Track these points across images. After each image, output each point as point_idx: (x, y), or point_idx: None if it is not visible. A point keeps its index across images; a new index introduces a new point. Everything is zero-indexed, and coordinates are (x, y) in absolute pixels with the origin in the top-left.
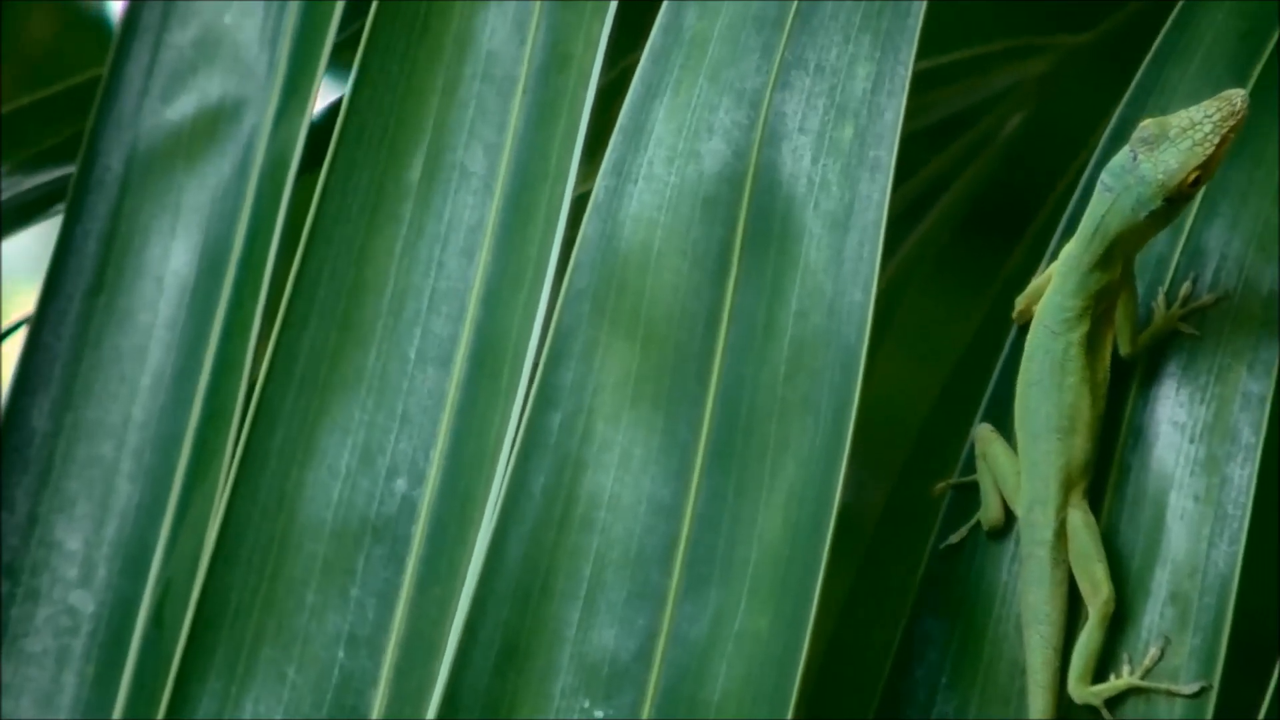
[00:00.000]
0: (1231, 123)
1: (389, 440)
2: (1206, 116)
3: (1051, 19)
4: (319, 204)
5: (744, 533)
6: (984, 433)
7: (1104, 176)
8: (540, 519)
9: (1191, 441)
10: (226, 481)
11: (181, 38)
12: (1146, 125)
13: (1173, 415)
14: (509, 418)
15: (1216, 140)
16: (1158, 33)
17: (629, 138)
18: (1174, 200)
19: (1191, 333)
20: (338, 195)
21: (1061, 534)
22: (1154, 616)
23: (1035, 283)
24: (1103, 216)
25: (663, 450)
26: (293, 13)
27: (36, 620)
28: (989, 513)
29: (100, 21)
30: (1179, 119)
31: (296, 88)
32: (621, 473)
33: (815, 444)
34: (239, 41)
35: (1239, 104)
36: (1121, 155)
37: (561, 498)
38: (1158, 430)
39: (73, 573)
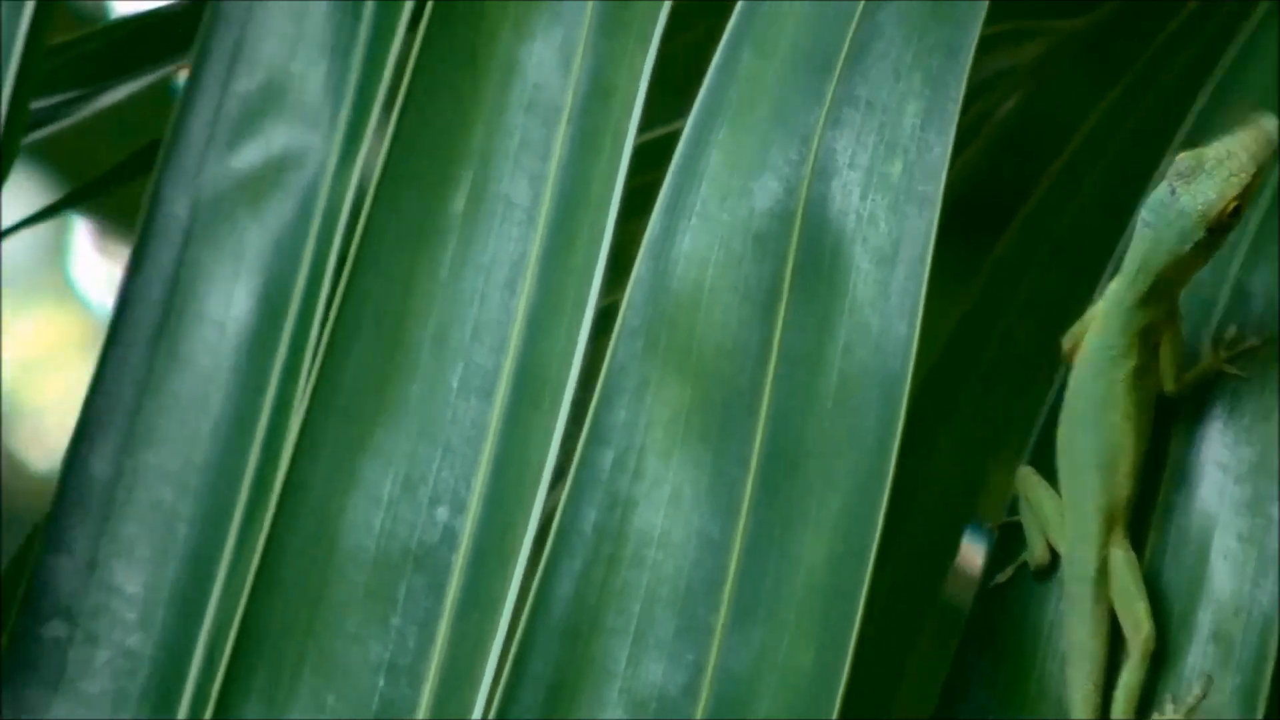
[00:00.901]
0: (1269, 150)
1: (431, 469)
2: (1242, 146)
3: (1045, 4)
4: (363, 234)
5: (789, 566)
6: (1025, 474)
7: (1144, 214)
8: (591, 556)
9: (1236, 482)
10: (269, 509)
11: (247, 86)
12: (1182, 158)
13: (1217, 456)
14: (550, 447)
15: (1254, 169)
16: (1150, 19)
17: (683, 176)
18: (1215, 231)
19: (1237, 374)
20: (382, 225)
21: (1104, 571)
22: (1197, 656)
23: (1080, 321)
24: (1146, 253)
25: (712, 487)
26: (357, 60)
27: (95, 663)
28: (1035, 553)
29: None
30: (1214, 150)
31: (358, 134)
32: (672, 510)
33: (859, 477)
34: (304, 89)
35: (1273, 131)
36: (1160, 191)
37: (612, 535)
38: (1202, 471)
39: (131, 616)
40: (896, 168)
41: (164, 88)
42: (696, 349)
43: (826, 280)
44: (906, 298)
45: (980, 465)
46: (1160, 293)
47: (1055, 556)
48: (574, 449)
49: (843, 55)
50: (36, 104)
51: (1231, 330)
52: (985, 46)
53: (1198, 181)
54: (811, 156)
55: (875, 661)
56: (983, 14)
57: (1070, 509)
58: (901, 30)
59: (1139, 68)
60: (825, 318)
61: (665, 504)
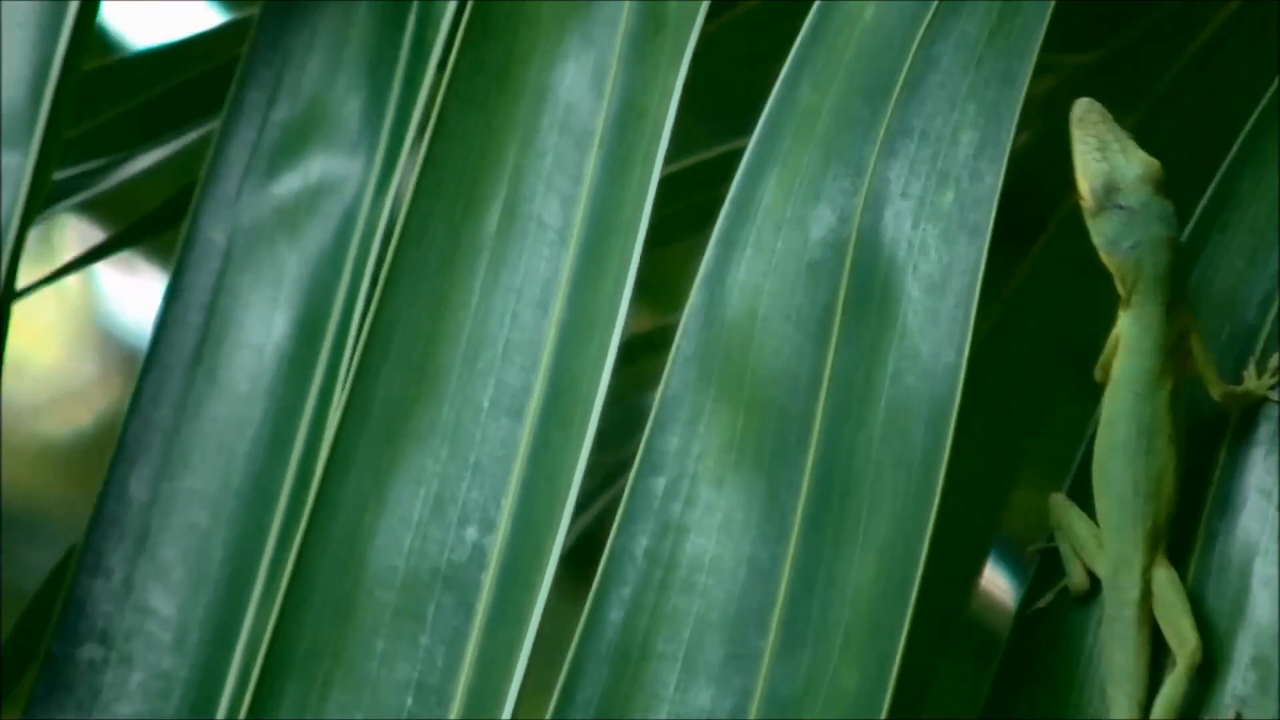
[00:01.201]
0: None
1: (460, 489)
2: (1099, 128)
3: (1057, 38)
4: (395, 254)
5: (837, 593)
6: (1058, 501)
7: (1122, 245)
8: (642, 583)
9: (1278, 509)
10: (299, 529)
11: (286, 114)
12: (1088, 178)
13: (1260, 483)
14: (578, 468)
15: (1122, 130)
16: (1163, 51)
17: (739, 207)
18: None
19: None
20: (414, 246)
21: (1147, 594)
22: (1236, 681)
23: (1105, 351)
24: (1149, 263)
25: (763, 513)
26: (395, 88)
27: (130, 685)
28: (1074, 579)
29: None
30: (1088, 143)
31: (394, 160)
32: (723, 536)
33: (906, 503)
34: (342, 116)
35: (1084, 106)
36: (1115, 217)
37: (663, 561)
38: (1245, 497)
39: (166, 638)
40: (948, 197)
41: None
42: (749, 377)
43: (877, 308)
44: (955, 325)
45: (1000, 487)
46: (1179, 298)
47: (1095, 581)
48: (598, 470)
49: (898, 86)
50: (78, 168)
51: (1275, 359)
52: None
53: (1122, 166)
54: (865, 186)
55: (900, 682)
56: (1039, 43)
57: (1111, 535)
58: (958, 60)
59: (1151, 101)
60: (875, 345)
61: (716, 530)
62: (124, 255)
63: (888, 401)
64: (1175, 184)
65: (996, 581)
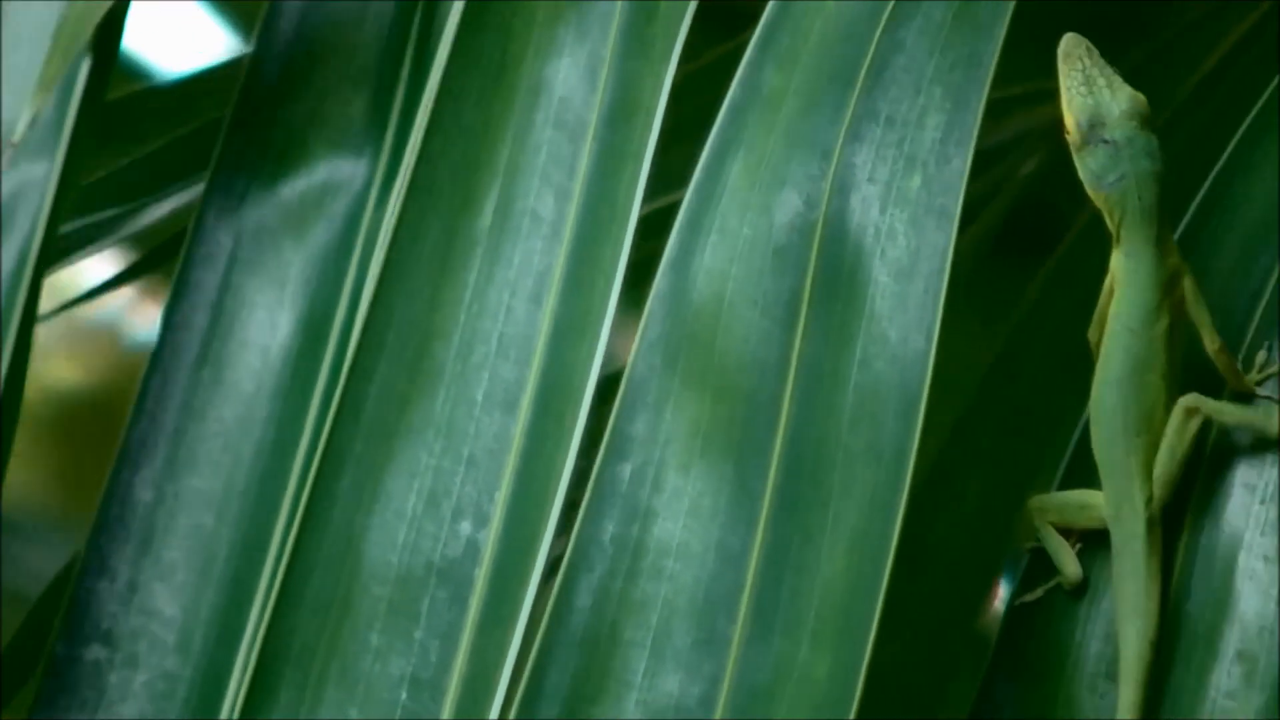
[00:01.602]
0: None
1: (454, 483)
2: (1085, 64)
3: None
4: (390, 249)
5: (807, 579)
6: (1033, 503)
7: (1108, 179)
8: (610, 568)
9: (1262, 503)
10: (294, 523)
11: (292, 114)
12: (1074, 112)
13: (1244, 478)
14: (569, 461)
15: (1107, 65)
16: (1169, 76)
17: (703, 192)
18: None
19: (1268, 397)
20: (409, 240)
21: (1153, 525)
22: (1221, 675)
23: (1098, 309)
24: (1137, 197)
25: (731, 499)
26: (400, 89)
27: (134, 685)
28: (1067, 572)
29: None
30: (1075, 78)
31: (399, 160)
32: (691, 521)
33: (876, 488)
34: (348, 117)
35: (1071, 42)
36: (1101, 151)
37: (631, 547)
38: (1229, 491)
39: (170, 639)
40: (915, 181)
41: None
42: (716, 362)
43: (845, 294)
44: (924, 311)
45: (1010, 510)
46: (1166, 232)
47: (1087, 572)
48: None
49: (864, 70)
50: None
51: (1262, 354)
52: (1003, 109)
53: (1108, 101)
54: (831, 171)
55: (913, 697)
56: (1005, 25)
57: (1110, 471)
58: (924, 43)
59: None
60: (844, 331)
61: (684, 516)
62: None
63: (856, 387)
64: (1183, 202)
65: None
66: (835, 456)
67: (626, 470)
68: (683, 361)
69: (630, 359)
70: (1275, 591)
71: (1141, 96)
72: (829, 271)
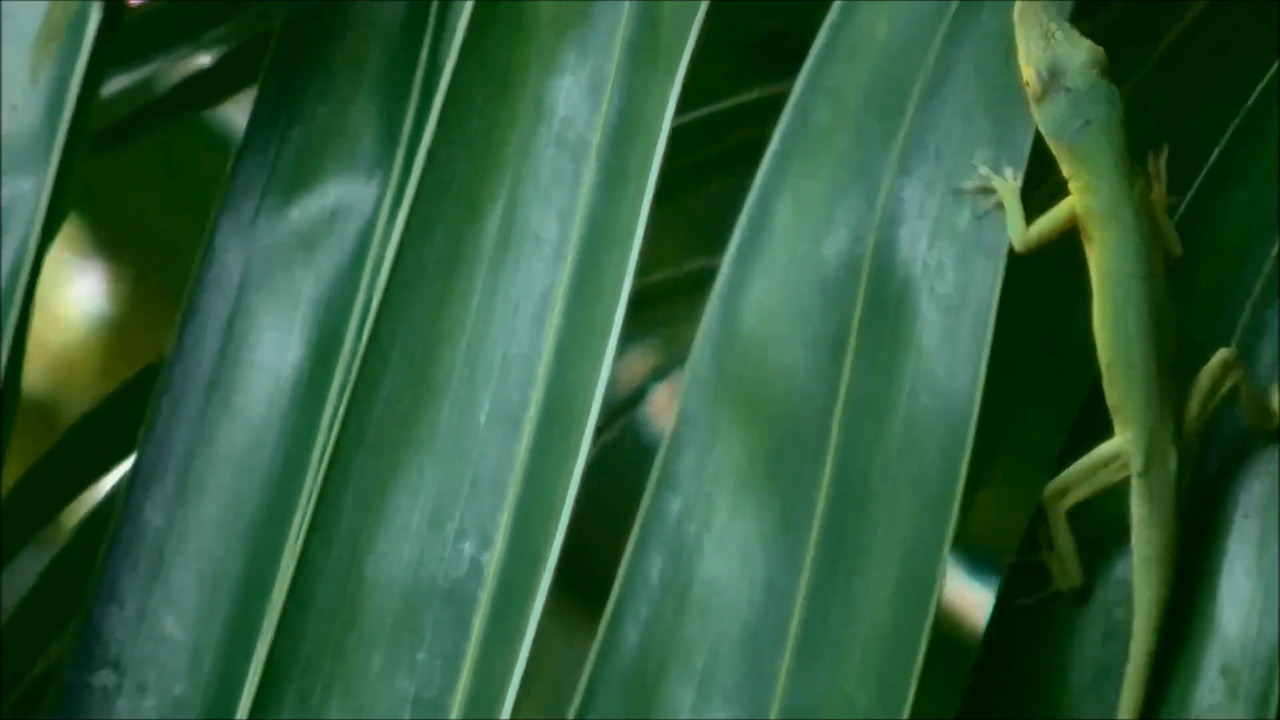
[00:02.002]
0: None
1: (458, 504)
2: (1043, 20)
3: None
4: (393, 268)
5: (854, 612)
6: (1049, 491)
7: (1070, 127)
8: (657, 605)
9: (1245, 517)
10: (299, 537)
11: (303, 136)
12: (1031, 64)
13: (1230, 490)
14: (574, 481)
15: (1069, 26)
16: (1151, 27)
17: (753, 227)
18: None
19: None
20: (413, 255)
21: (1183, 474)
22: (1204, 691)
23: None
24: (1106, 143)
25: (779, 533)
26: (410, 109)
27: (143, 711)
28: (1070, 576)
29: None
30: (1031, 34)
31: (409, 181)
32: (738, 558)
33: (922, 523)
34: (359, 138)
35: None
36: (1062, 100)
37: (679, 584)
38: (1212, 506)
39: (180, 664)
40: (964, 216)
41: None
42: (764, 397)
43: (893, 328)
44: (972, 345)
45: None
46: (1136, 174)
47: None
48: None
49: (913, 102)
50: None
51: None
52: None
53: (1067, 51)
54: (880, 205)
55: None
56: None
57: (1140, 416)
58: (974, 74)
59: (1140, 76)
60: (891, 366)
61: (731, 552)
62: (134, 274)
63: (903, 421)
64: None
65: (964, 593)
66: (882, 490)
67: (675, 505)
68: (731, 397)
69: (680, 393)
70: (1259, 606)
71: (1100, 48)
72: (877, 306)
